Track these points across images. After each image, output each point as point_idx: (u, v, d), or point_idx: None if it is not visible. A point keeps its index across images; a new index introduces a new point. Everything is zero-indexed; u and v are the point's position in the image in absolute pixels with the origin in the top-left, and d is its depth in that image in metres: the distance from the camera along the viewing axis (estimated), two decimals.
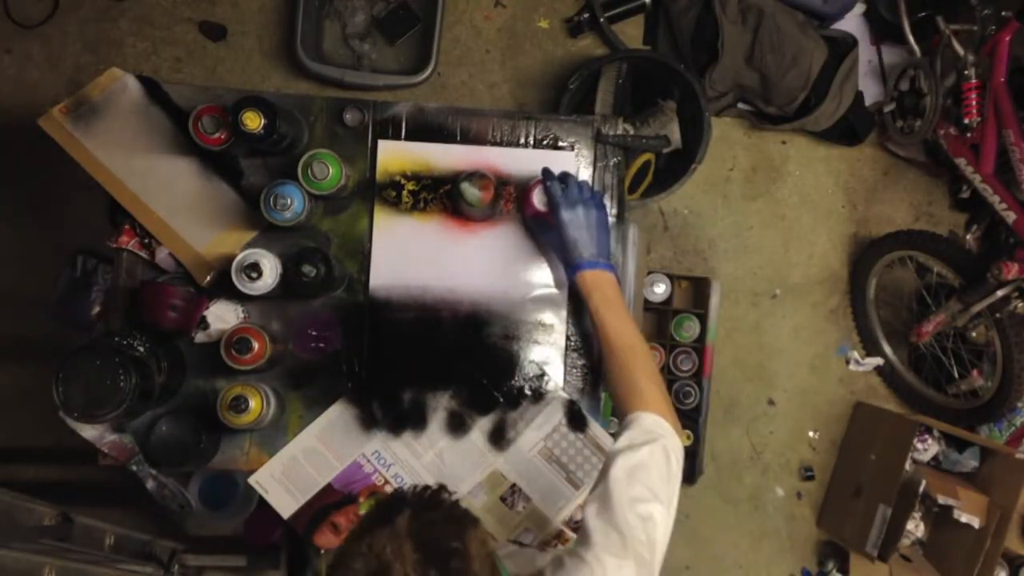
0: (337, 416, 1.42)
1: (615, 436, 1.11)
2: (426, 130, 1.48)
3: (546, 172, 1.38)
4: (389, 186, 1.46)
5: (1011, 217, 2.09)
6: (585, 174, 1.50)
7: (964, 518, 2.13)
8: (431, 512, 0.79)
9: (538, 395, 1.44)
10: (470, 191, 1.37)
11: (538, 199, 1.39)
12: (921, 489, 2.14)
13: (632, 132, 1.51)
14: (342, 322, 1.44)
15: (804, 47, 2.28)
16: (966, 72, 2.12)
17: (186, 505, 1.45)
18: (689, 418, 2.34)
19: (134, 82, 1.44)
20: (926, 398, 2.42)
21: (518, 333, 1.46)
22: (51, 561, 1.21)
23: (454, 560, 0.76)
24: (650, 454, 1.06)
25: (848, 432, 2.52)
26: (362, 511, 1.40)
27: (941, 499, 2.16)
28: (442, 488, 0.86)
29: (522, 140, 1.49)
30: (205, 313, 1.39)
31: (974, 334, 2.31)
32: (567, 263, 1.34)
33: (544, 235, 1.41)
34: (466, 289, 1.44)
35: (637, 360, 1.21)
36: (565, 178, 1.37)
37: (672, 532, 1.03)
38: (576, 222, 1.31)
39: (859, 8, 2.48)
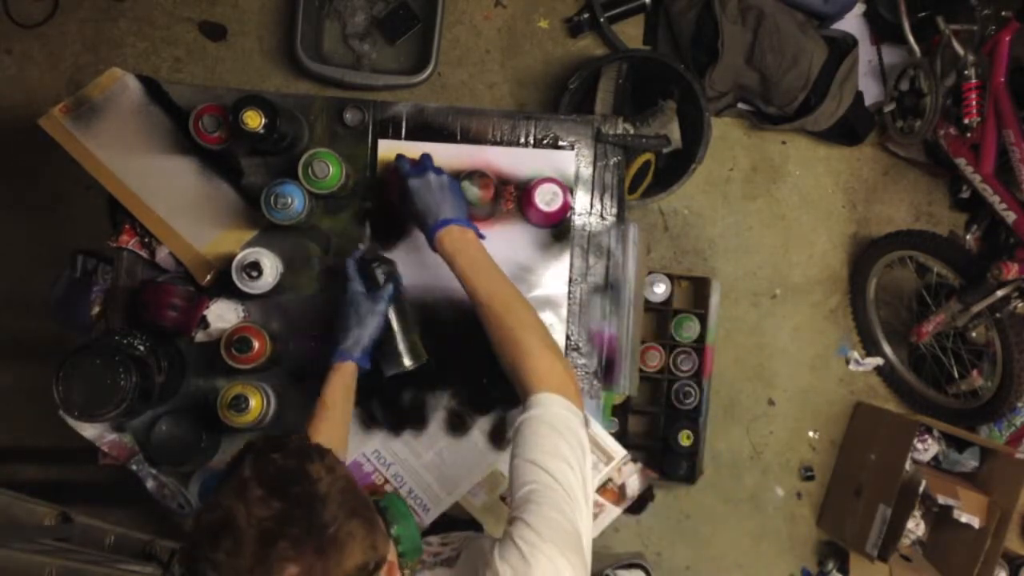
0: None
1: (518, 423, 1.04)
2: (426, 130, 1.48)
3: (399, 157, 1.34)
4: None
5: (1011, 217, 2.09)
6: (585, 174, 1.50)
7: (964, 518, 2.13)
8: (273, 452, 0.78)
9: None
10: (470, 191, 1.37)
11: (540, 198, 1.39)
12: (921, 489, 2.14)
13: (632, 132, 1.51)
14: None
15: (804, 47, 2.28)
16: (966, 72, 2.12)
17: (186, 505, 1.44)
18: (689, 418, 2.34)
19: (134, 82, 1.44)
20: (926, 398, 2.41)
21: None
22: (51, 561, 1.21)
23: (296, 486, 0.75)
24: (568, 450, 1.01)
25: (848, 432, 2.51)
26: None
27: (941, 499, 2.16)
28: (290, 433, 0.85)
29: (522, 140, 1.49)
30: (205, 312, 1.39)
31: (974, 334, 2.31)
32: (425, 233, 1.26)
33: (406, 213, 1.34)
34: None
35: (519, 320, 1.14)
36: (420, 159, 1.32)
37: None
38: (425, 187, 1.25)
39: (859, 8, 2.48)
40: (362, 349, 1.24)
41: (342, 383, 1.22)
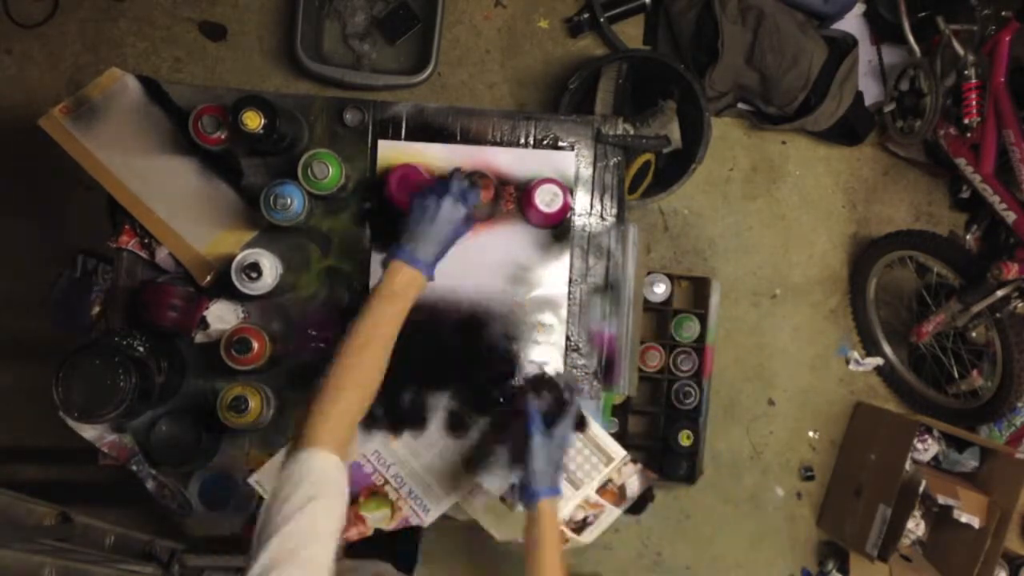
0: None
1: None
2: (426, 130, 1.48)
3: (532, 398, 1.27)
4: None
5: (1011, 217, 2.09)
6: (585, 174, 1.50)
7: (964, 518, 2.13)
8: None
9: None
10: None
11: (540, 199, 1.39)
12: (921, 489, 2.14)
13: (632, 132, 1.51)
14: (342, 322, 1.44)
15: (804, 47, 2.28)
16: (966, 72, 2.12)
17: (186, 505, 1.45)
18: (689, 418, 2.34)
19: (134, 82, 1.44)
20: (926, 398, 2.42)
21: (518, 333, 1.46)
22: (51, 561, 1.21)
23: None
24: None
25: (848, 432, 2.52)
26: (362, 511, 1.40)
27: (941, 499, 2.16)
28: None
29: (522, 140, 1.49)
30: (205, 313, 1.39)
31: (974, 334, 2.31)
32: (522, 485, 1.22)
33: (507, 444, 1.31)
34: (466, 289, 1.44)
35: None
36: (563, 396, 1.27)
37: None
38: (545, 450, 1.21)
39: (859, 8, 2.48)
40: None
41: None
